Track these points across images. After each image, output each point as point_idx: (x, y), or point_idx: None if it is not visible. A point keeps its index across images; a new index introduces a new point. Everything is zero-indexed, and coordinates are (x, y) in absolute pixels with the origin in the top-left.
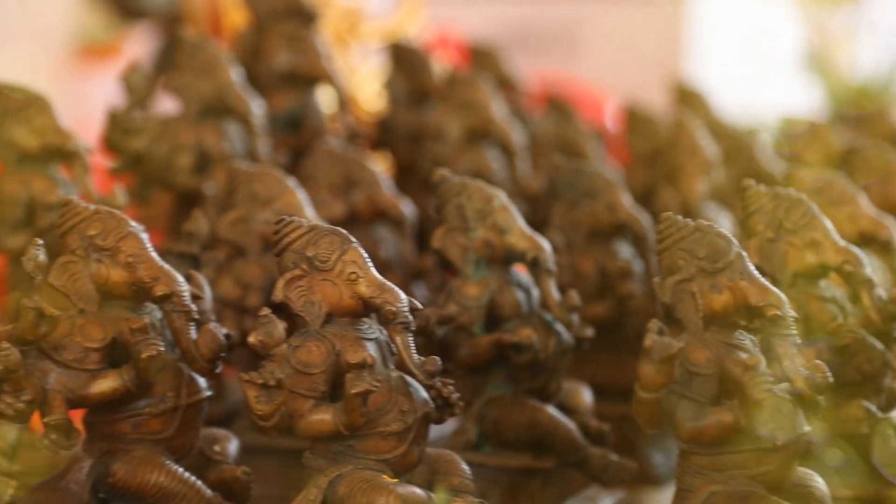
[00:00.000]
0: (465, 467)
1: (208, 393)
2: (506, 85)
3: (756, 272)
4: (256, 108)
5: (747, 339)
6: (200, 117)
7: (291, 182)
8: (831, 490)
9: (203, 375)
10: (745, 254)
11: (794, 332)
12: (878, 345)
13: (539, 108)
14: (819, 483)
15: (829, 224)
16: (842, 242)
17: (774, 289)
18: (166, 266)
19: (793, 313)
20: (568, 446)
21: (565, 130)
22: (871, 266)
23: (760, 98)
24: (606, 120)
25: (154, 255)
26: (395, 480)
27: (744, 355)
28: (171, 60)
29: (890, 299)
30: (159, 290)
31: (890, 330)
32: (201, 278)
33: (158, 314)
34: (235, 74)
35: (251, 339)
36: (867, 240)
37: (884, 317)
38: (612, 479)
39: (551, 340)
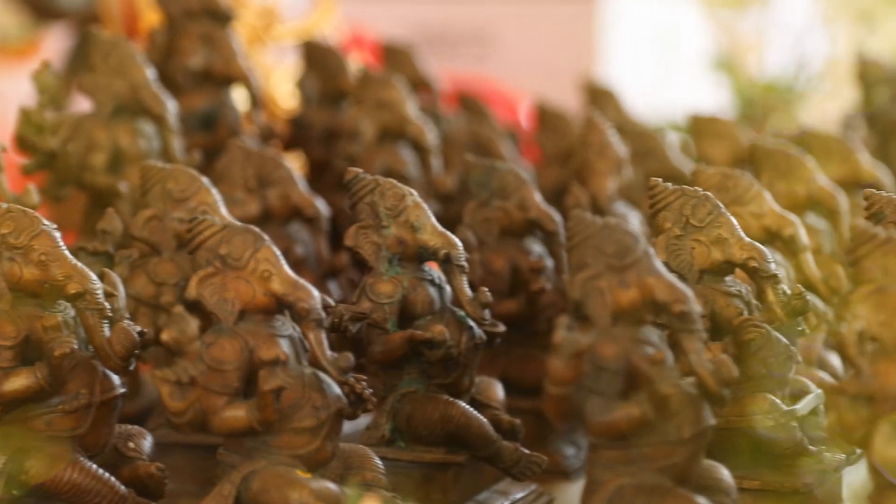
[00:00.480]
0: (378, 462)
1: (122, 390)
2: (420, 84)
3: (663, 269)
4: (171, 107)
5: (654, 335)
6: (115, 116)
7: (206, 180)
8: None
9: (117, 373)
10: (652, 251)
11: (701, 327)
12: (783, 339)
13: (453, 107)
14: (725, 475)
15: (734, 221)
16: (747, 239)
17: (681, 285)
18: (79, 264)
19: (699, 309)
20: (480, 440)
21: (478, 129)
22: (776, 262)
23: (670, 97)
24: (520, 119)
25: (67, 253)
26: (309, 475)
27: (651, 350)
28: (85, 60)
29: (794, 295)
30: (72, 288)
31: (794, 324)
32: (115, 276)
33: (72, 312)
34: (150, 74)
35: (164, 336)
36: (772, 236)
37: (788, 312)
38: (524, 472)
39: (463, 336)
